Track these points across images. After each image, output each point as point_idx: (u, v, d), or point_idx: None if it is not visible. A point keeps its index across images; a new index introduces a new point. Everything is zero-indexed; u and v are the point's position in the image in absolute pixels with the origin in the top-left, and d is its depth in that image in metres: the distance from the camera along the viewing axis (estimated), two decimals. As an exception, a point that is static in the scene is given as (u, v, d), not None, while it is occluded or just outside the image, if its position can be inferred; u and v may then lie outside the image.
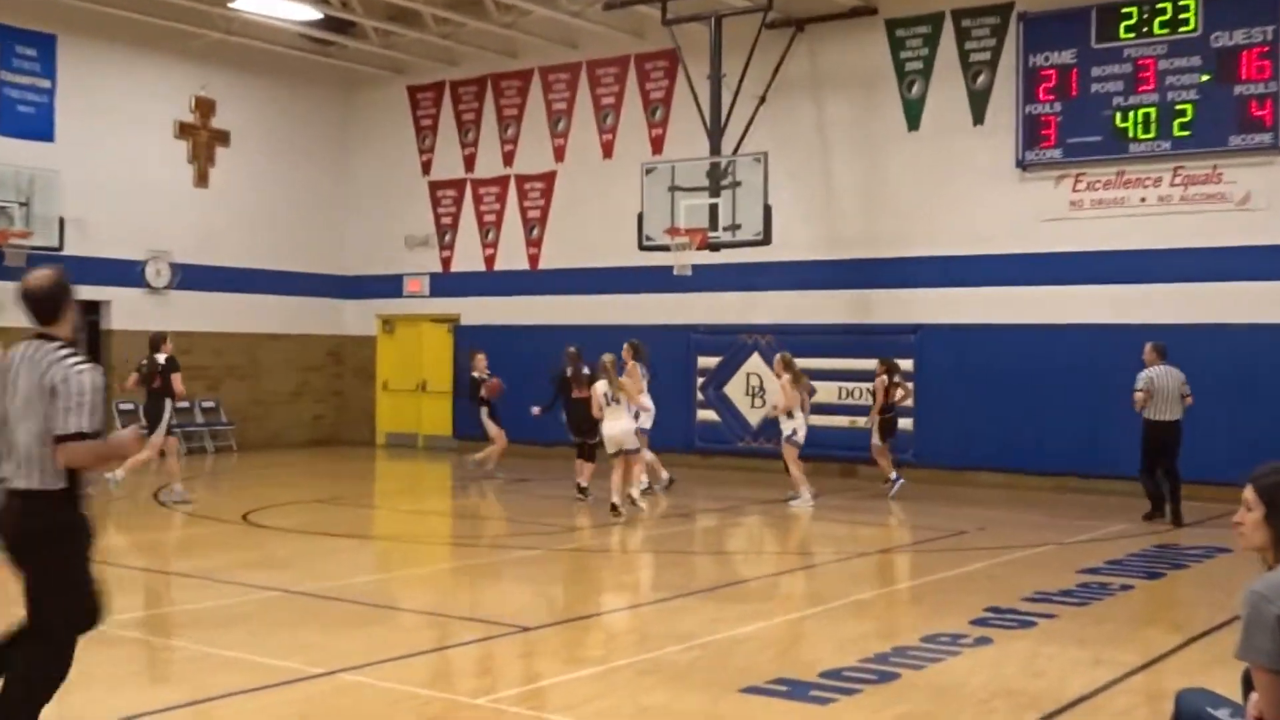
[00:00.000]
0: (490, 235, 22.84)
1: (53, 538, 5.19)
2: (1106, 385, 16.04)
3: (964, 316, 17.85)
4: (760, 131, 18.33)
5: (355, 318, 24.61)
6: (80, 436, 5.13)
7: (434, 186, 23.60)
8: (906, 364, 17.99)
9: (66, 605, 5.24)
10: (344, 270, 24.62)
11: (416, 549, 12.21)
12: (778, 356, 15.88)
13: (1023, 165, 17.41)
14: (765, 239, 16.94)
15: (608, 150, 21.39)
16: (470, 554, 11.92)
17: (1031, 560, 11.51)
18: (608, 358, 14.38)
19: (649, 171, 17.83)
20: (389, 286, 24.12)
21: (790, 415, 15.72)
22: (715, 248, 17.51)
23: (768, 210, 16.82)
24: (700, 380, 19.86)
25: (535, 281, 22.20)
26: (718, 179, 17.22)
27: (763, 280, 19.46)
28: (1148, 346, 14.64)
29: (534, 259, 22.29)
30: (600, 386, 14.22)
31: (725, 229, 17.10)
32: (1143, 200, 16.72)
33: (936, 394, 17.88)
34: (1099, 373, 16.48)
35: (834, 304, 18.91)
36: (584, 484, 15.53)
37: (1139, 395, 14.05)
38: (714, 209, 17.15)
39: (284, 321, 23.48)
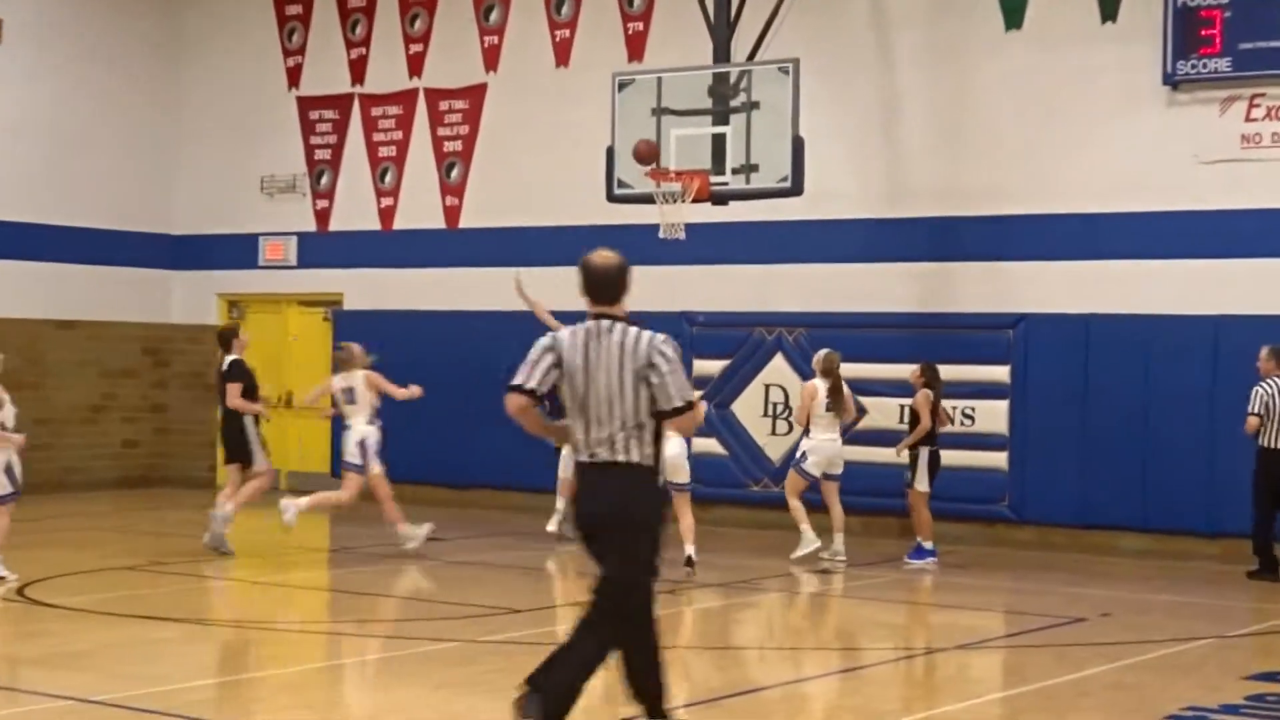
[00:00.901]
0: (388, 178, 22.92)
1: (651, 506, 8.00)
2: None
3: (1086, 303, 18.02)
4: (789, 30, 18.44)
5: (187, 298, 24.62)
6: (688, 406, 7.90)
7: (305, 105, 23.66)
8: (1001, 371, 18.18)
9: (646, 571, 7.98)
10: (171, 228, 24.63)
11: (278, 640, 12.28)
12: (821, 354, 16.58)
13: (1173, 82, 17.60)
14: (795, 187, 17.05)
15: (562, 54, 21.49)
16: (357, 647, 12.01)
17: (1180, 661, 11.64)
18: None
19: (624, 86, 17.91)
20: (238, 252, 24.16)
21: (807, 433, 16.39)
22: (722, 199, 17.60)
23: (799, 144, 16.94)
24: (698, 394, 19.95)
25: (454, 246, 22.27)
26: (726, 98, 17.33)
27: (791, 248, 19.59)
28: (1264, 352, 15.67)
29: (452, 213, 22.38)
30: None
31: (736, 171, 17.18)
32: (1348, 135, 16.96)
33: (1046, 417, 18.02)
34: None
35: (896, 284, 19.06)
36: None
37: (1253, 420, 15.61)
38: (719, 142, 17.25)
39: (80, 303, 23.50)
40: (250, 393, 16.57)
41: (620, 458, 7.86)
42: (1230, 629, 13.02)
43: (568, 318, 18.87)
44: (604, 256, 8.12)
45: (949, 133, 18.91)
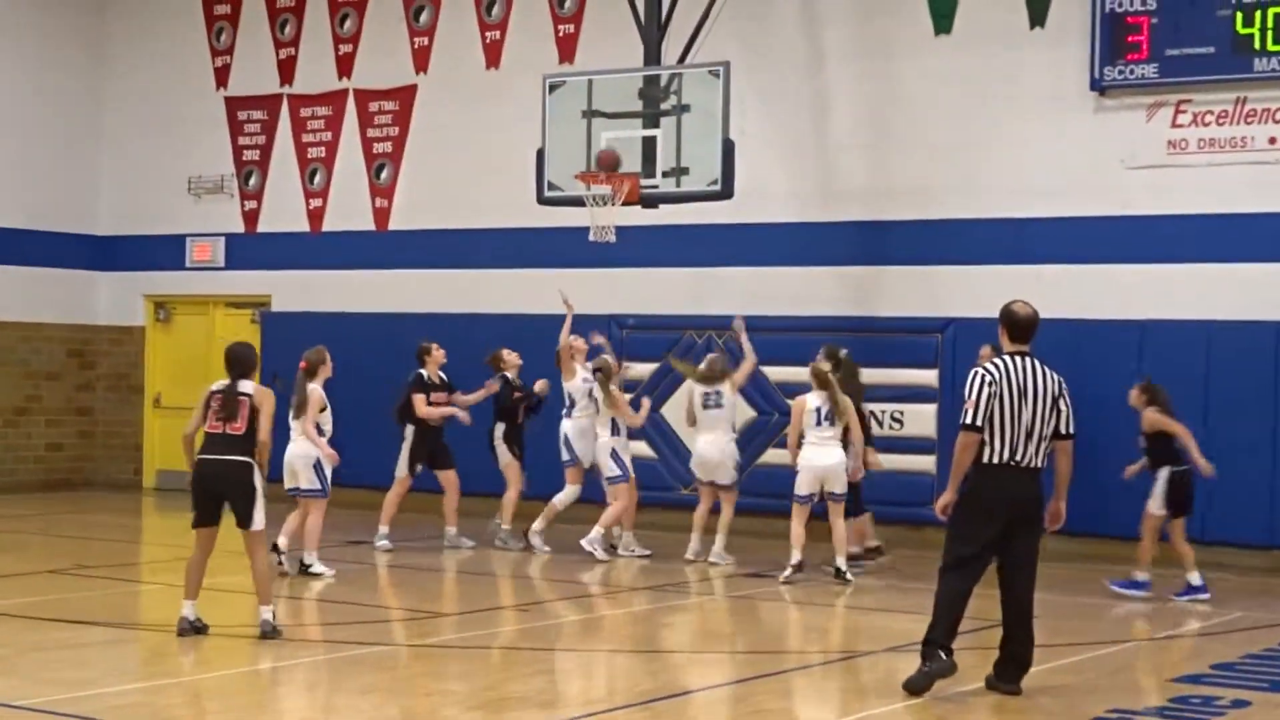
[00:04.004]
0: (317, 179, 22.84)
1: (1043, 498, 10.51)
2: (1225, 409, 16.39)
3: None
4: (721, 32, 18.46)
5: (112, 299, 24.46)
6: (1072, 436, 10.46)
7: (234, 105, 23.55)
8: (930, 375, 18.28)
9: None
10: (95, 229, 24.46)
11: (204, 644, 12.22)
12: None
13: (1101, 88, 17.73)
14: (725, 190, 17.09)
15: (493, 56, 21.47)
16: (285, 651, 11.96)
17: (1106, 664, 11.78)
18: (825, 365, 15.91)
19: (554, 88, 17.91)
20: (164, 253, 24.02)
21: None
22: (652, 202, 17.63)
23: (729, 148, 16.97)
24: (627, 397, 19.96)
25: (383, 248, 22.21)
26: (656, 101, 17.34)
27: (721, 251, 19.64)
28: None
29: (382, 215, 22.32)
30: (812, 400, 15.66)
31: (666, 174, 17.20)
32: (1273, 141, 17.11)
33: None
34: (1215, 391, 16.84)
35: (824, 287, 19.14)
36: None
37: None
38: (650, 145, 17.27)
39: (3, 304, 23.32)
40: None
41: (1035, 464, 10.24)
42: (1157, 632, 13.14)
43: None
44: (1026, 305, 10.47)
45: (878, 137, 19.00)
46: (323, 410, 15.39)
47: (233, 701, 10.28)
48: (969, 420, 10.20)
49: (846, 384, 16.05)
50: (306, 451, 15.30)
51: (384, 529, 17.53)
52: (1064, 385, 10.41)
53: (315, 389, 15.38)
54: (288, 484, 15.40)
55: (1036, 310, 10.50)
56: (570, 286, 19.66)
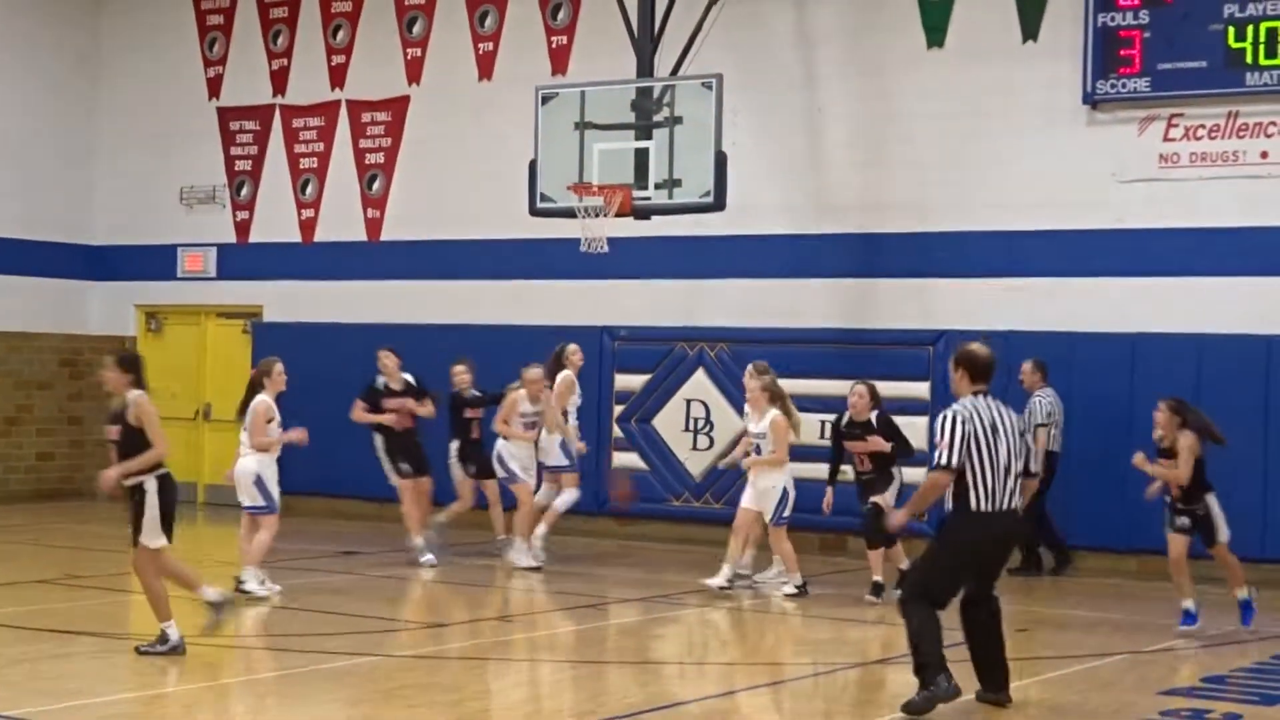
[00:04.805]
0: (309, 189, 22.85)
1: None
2: (1216, 422, 16.37)
3: (1005, 320, 18.10)
4: (713, 45, 18.52)
5: (104, 309, 24.44)
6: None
7: (226, 116, 23.56)
8: (922, 388, 18.29)
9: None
10: (87, 238, 24.45)
11: (194, 654, 12.21)
12: (750, 366, 16.43)
13: (1093, 101, 17.79)
14: (718, 202, 17.13)
15: (486, 68, 21.50)
16: (274, 661, 11.97)
17: (1094, 677, 11.74)
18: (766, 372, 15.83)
19: (547, 100, 17.95)
20: (156, 263, 24.03)
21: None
22: (644, 214, 17.66)
23: (721, 159, 17.02)
24: (618, 409, 20.00)
25: (375, 259, 22.21)
26: (649, 113, 17.38)
27: (713, 263, 19.66)
28: (1028, 365, 16.99)
29: (374, 225, 22.32)
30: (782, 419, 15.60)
31: (659, 186, 17.24)
32: (1264, 155, 17.15)
33: (965, 433, 18.13)
34: (1205, 404, 16.72)
35: (817, 299, 19.16)
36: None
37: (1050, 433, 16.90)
38: (642, 156, 17.30)
39: (-6, 314, 23.35)
40: None
41: (1015, 504, 10.23)
42: (1145, 646, 13.15)
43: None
44: (984, 346, 10.50)
45: (871, 149, 19.03)
46: (269, 421, 14.79)
47: (222, 713, 10.28)
48: (944, 461, 10.01)
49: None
50: (247, 468, 14.73)
51: (418, 540, 17.23)
52: (1022, 430, 10.47)
53: (263, 400, 14.72)
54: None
55: (994, 351, 10.62)
56: (562, 298, 19.79)
